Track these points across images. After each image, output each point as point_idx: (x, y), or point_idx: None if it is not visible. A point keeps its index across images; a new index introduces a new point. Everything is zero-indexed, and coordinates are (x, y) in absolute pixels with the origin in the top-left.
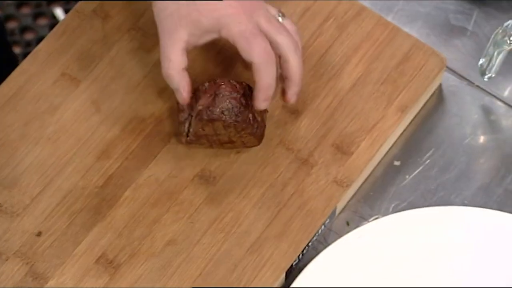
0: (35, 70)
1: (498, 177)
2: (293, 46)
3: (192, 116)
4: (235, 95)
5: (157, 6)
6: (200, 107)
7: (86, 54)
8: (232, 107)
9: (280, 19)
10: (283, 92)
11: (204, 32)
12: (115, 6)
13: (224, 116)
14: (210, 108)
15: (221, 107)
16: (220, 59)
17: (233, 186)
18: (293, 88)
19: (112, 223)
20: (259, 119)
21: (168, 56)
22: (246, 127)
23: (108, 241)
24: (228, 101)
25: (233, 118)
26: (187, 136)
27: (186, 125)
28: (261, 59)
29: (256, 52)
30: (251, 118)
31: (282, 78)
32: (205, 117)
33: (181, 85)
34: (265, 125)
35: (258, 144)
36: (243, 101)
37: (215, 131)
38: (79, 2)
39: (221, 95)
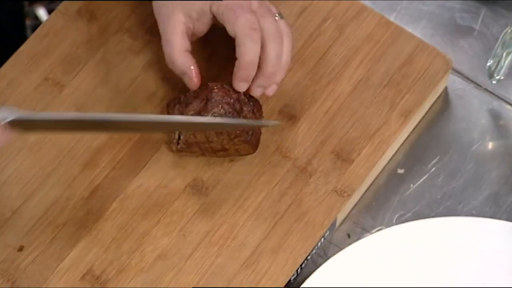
0: (17, 74)
1: (508, 185)
2: (274, 34)
3: None
4: (228, 100)
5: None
6: (191, 112)
7: (71, 57)
8: (225, 113)
9: (277, 17)
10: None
11: (199, 13)
12: (101, 6)
13: None
14: (202, 114)
15: (213, 113)
16: (212, 63)
17: (227, 197)
18: (259, 79)
19: (99, 237)
20: None
21: (169, 40)
22: (240, 134)
23: (95, 256)
24: (220, 106)
25: None
26: (178, 143)
27: (177, 132)
28: (244, 32)
29: (240, 24)
30: None
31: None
32: None
33: (187, 66)
34: (260, 132)
35: (253, 152)
36: (237, 107)
37: (207, 138)
38: (63, 2)
39: (213, 100)
